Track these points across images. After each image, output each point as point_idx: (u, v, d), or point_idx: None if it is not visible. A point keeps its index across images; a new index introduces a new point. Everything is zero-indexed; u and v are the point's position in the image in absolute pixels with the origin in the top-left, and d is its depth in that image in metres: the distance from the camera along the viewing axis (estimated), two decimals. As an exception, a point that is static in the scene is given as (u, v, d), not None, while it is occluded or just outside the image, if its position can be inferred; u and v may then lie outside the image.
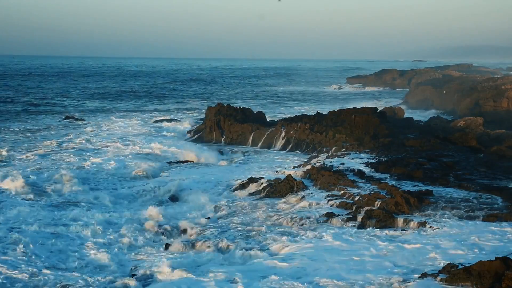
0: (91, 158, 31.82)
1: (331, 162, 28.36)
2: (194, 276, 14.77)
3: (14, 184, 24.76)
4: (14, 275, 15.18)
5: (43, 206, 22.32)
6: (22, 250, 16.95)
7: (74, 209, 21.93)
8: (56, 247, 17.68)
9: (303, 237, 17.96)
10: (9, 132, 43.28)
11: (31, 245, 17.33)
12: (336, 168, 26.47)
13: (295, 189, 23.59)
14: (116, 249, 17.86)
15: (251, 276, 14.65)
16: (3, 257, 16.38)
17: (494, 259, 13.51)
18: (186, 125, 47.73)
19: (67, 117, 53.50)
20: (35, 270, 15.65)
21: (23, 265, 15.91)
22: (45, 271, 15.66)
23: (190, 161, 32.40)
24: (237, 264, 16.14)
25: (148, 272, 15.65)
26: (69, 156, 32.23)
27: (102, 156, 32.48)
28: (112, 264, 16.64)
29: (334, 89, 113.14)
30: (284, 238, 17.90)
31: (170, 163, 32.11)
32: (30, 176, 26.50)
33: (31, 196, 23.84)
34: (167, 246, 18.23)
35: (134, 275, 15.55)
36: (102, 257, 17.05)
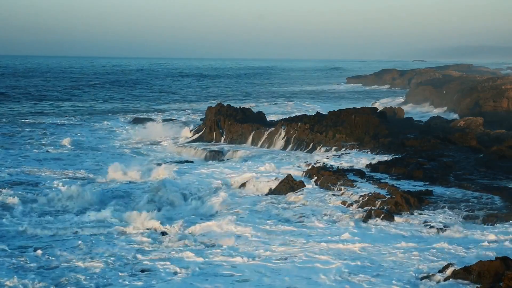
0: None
1: (331, 162, 28.35)
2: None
3: None
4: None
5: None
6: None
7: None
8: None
9: (302, 237, 17.95)
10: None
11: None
12: (336, 168, 26.46)
13: (295, 189, 23.57)
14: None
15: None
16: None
17: (494, 259, 13.52)
18: None
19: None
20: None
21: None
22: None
23: (190, 161, 32.39)
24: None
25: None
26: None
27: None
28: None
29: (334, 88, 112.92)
30: (285, 237, 17.89)
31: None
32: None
33: None
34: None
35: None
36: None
